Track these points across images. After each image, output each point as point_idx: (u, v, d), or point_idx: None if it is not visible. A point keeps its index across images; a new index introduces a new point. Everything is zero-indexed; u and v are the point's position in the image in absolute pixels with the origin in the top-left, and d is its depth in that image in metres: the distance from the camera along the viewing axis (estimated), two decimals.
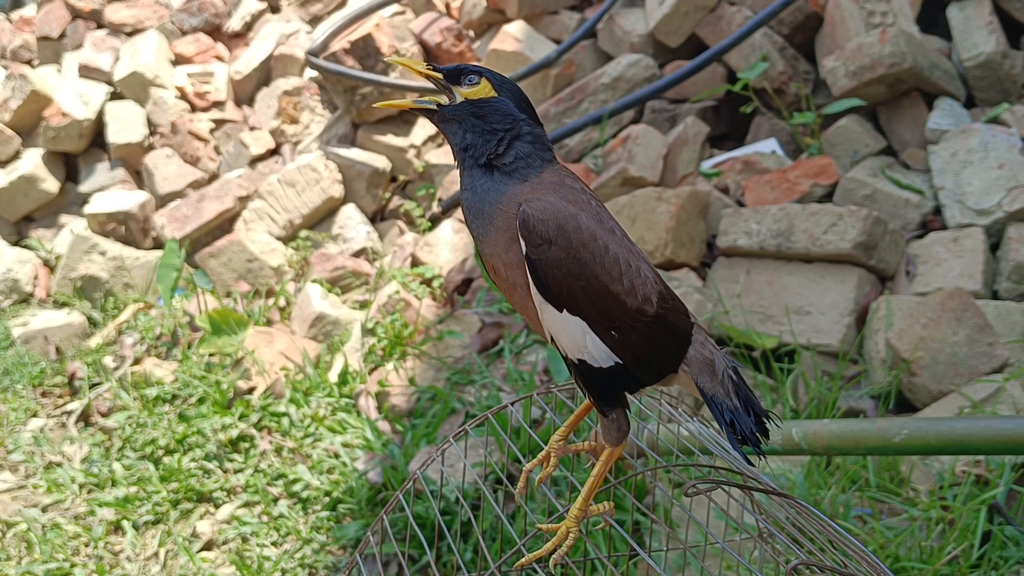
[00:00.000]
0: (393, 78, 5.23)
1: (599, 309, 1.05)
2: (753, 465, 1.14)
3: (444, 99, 1.16)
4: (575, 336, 1.06)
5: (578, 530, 1.15)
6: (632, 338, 1.07)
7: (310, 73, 5.79)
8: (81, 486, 3.66)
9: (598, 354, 1.07)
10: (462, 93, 1.13)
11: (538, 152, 1.12)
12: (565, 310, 1.05)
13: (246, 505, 3.46)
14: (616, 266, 1.06)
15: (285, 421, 3.78)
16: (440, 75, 1.15)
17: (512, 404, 1.47)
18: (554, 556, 1.14)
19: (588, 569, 1.99)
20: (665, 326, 1.10)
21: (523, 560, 1.15)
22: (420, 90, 5.23)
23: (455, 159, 1.16)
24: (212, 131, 5.90)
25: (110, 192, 5.71)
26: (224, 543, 3.30)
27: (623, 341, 1.07)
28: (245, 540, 3.28)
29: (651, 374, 1.11)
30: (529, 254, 1.03)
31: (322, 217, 5.27)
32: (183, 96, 6.04)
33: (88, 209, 5.52)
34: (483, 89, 1.13)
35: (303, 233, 5.10)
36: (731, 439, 1.10)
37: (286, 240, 5.17)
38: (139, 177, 5.92)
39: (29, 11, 7.20)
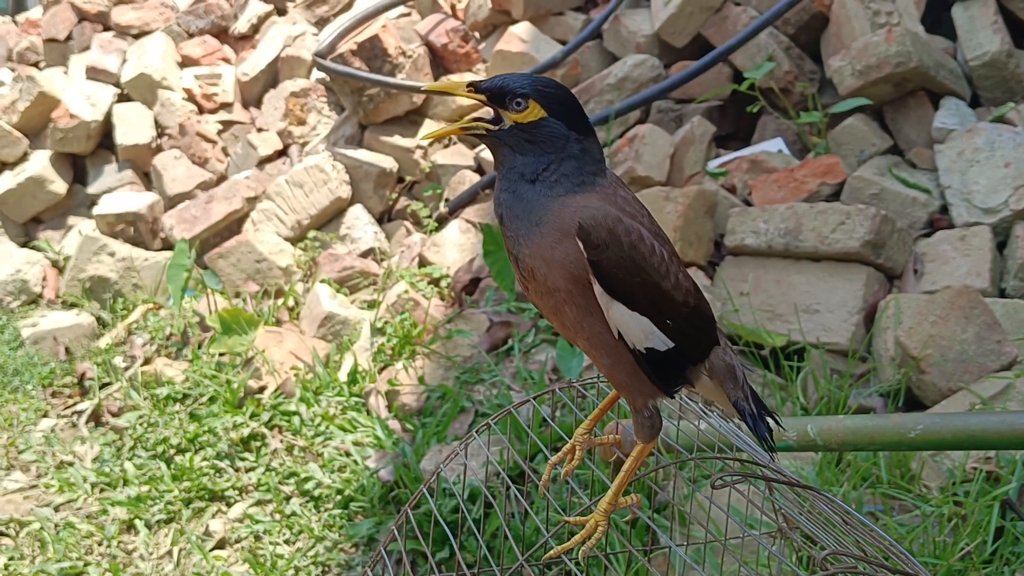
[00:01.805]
0: (400, 79, 5.26)
1: (655, 304, 1.11)
2: (773, 458, 1.20)
3: (485, 112, 1.14)
4: (643, 327, 1.11)
5: (607, 524, 1.17)
6: (682, 326, 1.14)
7: (317, 75, 5.81)
8: (93, 485, 3.68)
9: (659, 341, 1.12)
10: (510, 117, 1.11)
11: (585, 167, 1.12)
12: (633, 308, 1.10)
13: (258, 503, 3.48)
14: (663, 264, 1.11)
15: (296, 420, 3.80)
16: (483, 96, 1.13)
17: (534, 398, 1.49)
18: (582, 549, 1.16)
19: (602, 565, 2.01)
20: (702, 315, 1.17)
21: (551, 552, 1.17)
22: (429, 91, 5.24)
23: (497, 168, 1.15)
24: (220, 132, 5.92)
25: (119, 193, 5.74)
26: (237, 541, 3.32)
27: (675, 328, 1.13)
28: (258, 538, 3.30)
29: (699, 352, 1.18)
30: (591, 257, 1.07)
31: (330, 218, 5.29)
32: (190, 98, 6.06)
33: (97, 210, 5.55)
34: (532, 112, 1.10)
35: (311, 234, 5.12)
36: (761, 439, 1.19)
37: (294, 241, 5.20)
38: (147, 178, 5.94)
39: (35, 13, 7.23)
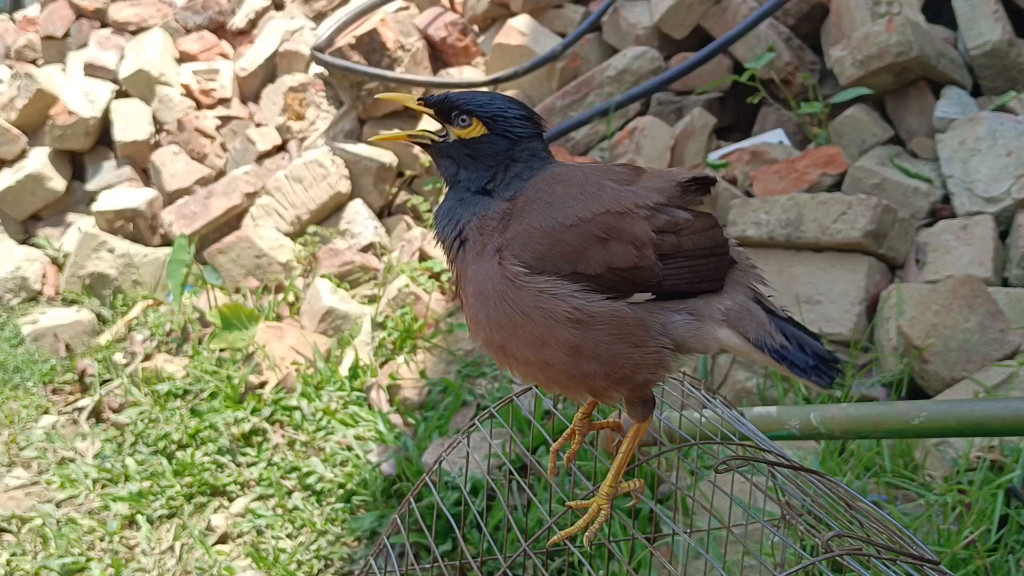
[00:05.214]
0: (399, 73, 5.24)
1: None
2: (830, 386, 1.13)
3: (436, 126, 1.21)
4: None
5: (609, 507, 1.16)
6: (674, 275, 1.11)
7: (315, 69, 5.80)
8: (95, 481, 3.67)
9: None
10: (454, 132, 1.17)
11: (529, 164, 1.17)
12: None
13: (260, 498, 3.47)
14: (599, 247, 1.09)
15: (297, 415, 3.79)
16: (431, 111, 1.19)
17: (536, 386, 1.48)
18: (587, 533, 1.15)
19: (605, 553, 2.01)
20: (688, 255, 1.12)
21: (555, 537, 1.17)
22: (426, 84, 5.24)
23: (443, 179, 1.21)
24: (218, 128, 5.91)
25: (118, 190, 5.73)
26: (239, 536, 3.32)
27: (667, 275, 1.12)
28: (260, 533, 3.30)
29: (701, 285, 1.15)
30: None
31: (329, 213, 5.28)
32: (189, 94, 6.05)
33: (96, 207, 5.54)
34: (474, 129, 1.16)
35: (311, 229, 5.11)
36: (795, 371, 1.11)
37: (294, 236, 5.19)
38: (146, 175, 5.93)
39: (32, 11, 7.21)
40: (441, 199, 1.18)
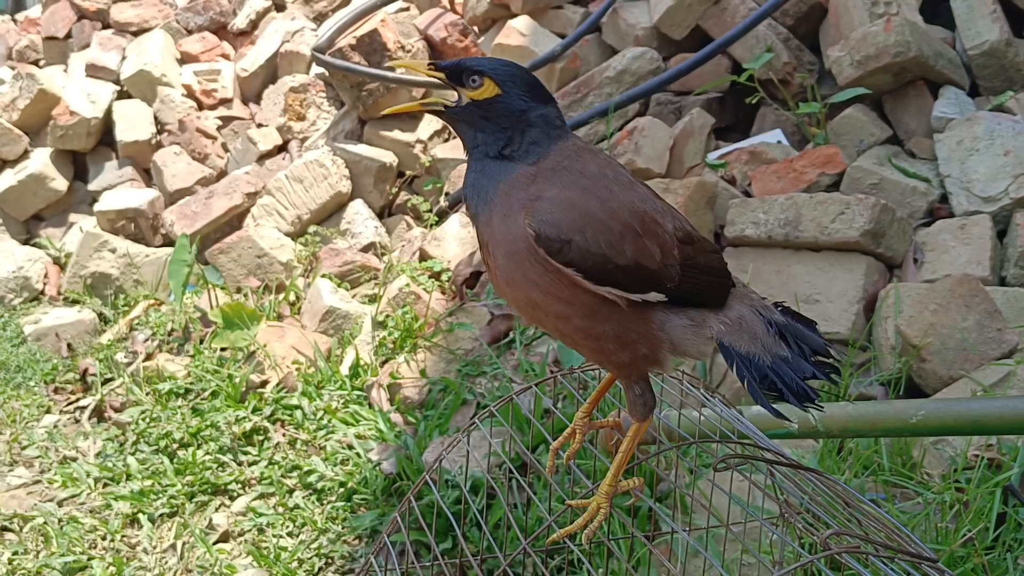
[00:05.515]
0: (399, 73, 5.26)
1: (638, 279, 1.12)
2: (787, 422, 1.17)
3: (452, 94, 1.21)
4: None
5: (609, 506, 1.18)
6: (687, 283, 1.16)
7: (316, 70, 5.82)
8: (96, 480, 3.69)
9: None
10: (467, 94, 1.17)
11: (546, 132, 1.17)
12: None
13: (261, 497, 3.49)
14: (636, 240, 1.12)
15: (298, 414, 3.81)
16: (442, 75, 1.19)
17: (535, 385, 1.49)
18: (586, 531, 1.16)
19: (604, 552, 2.02)
20: (700, 269, 1.17)
21: (555, 535, 1.18)
22: (426, 84, 5.25)
23: (464, 149, 1.21)
24: (219, 128, 5.92)
25: (119, 190, 5.75)
26: (240, 534, 3.33)
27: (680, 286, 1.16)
28: (261, 531, 3.31)
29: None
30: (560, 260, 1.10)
31: (330, 213, 5.30)
32: (190, 94, 6.07)
33: (98, 207, 5.56)
34: (487, 90, 1.16)
35: (312, 228, 5.13)
36: (763, 402, 1.14)
37: (295, 236, 5.20)
38: (147, 175, 5.95)
39: (34, 12, 7.23)
40: (464, 171, 1.19)
